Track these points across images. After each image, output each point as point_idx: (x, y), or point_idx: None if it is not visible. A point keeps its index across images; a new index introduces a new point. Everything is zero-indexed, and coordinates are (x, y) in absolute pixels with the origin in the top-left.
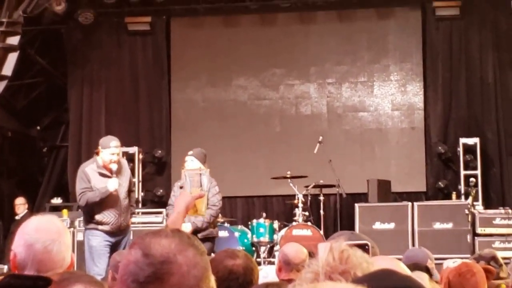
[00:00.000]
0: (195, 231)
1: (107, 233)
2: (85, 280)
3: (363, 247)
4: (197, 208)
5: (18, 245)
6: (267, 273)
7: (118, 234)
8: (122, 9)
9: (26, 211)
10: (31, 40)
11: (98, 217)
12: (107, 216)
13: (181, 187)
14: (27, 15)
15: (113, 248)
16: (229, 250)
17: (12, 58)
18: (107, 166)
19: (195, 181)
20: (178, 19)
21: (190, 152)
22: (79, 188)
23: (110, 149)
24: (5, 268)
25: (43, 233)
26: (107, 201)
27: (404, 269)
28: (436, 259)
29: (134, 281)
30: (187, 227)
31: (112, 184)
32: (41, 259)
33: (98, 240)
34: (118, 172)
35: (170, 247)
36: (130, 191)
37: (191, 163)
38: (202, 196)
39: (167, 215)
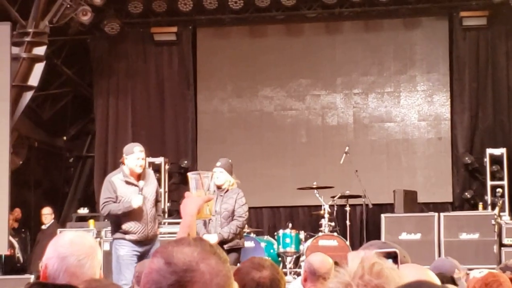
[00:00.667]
0: (221, 242)
1: (134, 242)
2: None
3: (392, 255)
4: (202, 211)
5: (51, 257)
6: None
7: (145, 243)
8: (148, 20)
9: (52, 221)
10: (57, 50)
11: (124, 226)
12: (134, 226)
13: None
14: (53, 25)
15: (141, 258)
16: (255, 260)
17: (38, 68)
18: (134, 173)
19: (200, 183)
20: (204, 29)
21: (218, 164)
22: (103, 198)
23: (135, 154)
24: (32, 278)
25: (77, 247)
26: (133, 211)
27: (431, 277)
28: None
29: None
30: (213, 238)
31: (136, 202)
32: (74, 272)
33: (125, 250)
34: (143, 177)
35: (192, 255)
36: (157, 201)
37: (221, 175)
38: (211, 199)
39: None
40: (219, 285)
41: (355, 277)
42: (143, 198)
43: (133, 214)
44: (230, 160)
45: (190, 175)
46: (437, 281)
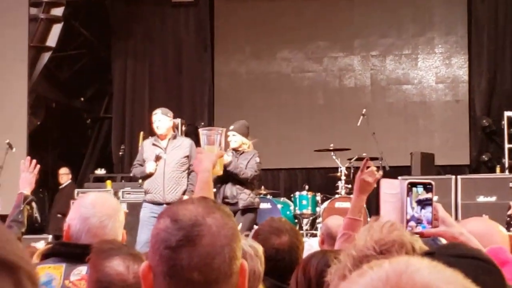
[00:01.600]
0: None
1: (153, 203)
2: (124, 252)
3: (426, 186)
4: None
5: (73, 218)
6: (311, 245)
7: (163, 205)
8: None
9: (69, 181)
10: (75, 12)
11: (145, 184)
12: (150, 185)
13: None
14: None
15: None
16: (274, 224)
17: (56, 29)
18: (160, 136)
19: (212, 139)
20: None
21: (231, 127)
22: (135, 161)
23: (152, 118)
24: (50, 237)
25: (99, 208)
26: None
27: (501, 230)
28: None
29: (166, 248)
30: (227, 156)
31: (148, 167)
32: (96, 233)
33: (144, 212)
34: (164, 138)
35: (197, 210)
36: (192, 170)
37: (234, 138)
38: (222, 155)
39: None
40: (227, 237)
41: (375, 237)
42: (163, 161)
43: (151, 174)
44: (246, 123)
45: (201, 131)
46: (505, 233)
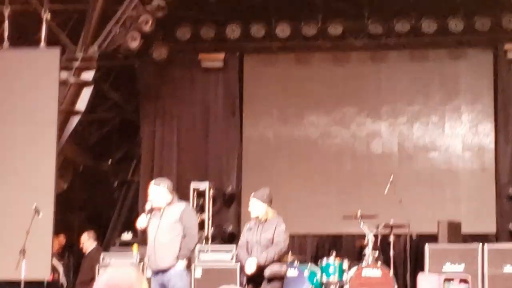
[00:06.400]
0: (262, 270)
1: (152, 271)
2: None
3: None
4: None
5: None
6: None
7: (159, 273)
8: (195, 46)
9: (94, 245)
10: (104, 75)
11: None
12: (147, 253)
13: (250, 229)
14: (101, 50)
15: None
16: None
17: (86, 93)
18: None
19: None
20: (251, 56)
21: (252, 194)
22: None
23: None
24: None
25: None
26: (148, 238)
27: None
28: None
29: None
30: (252, 262)
31: (138, 222)
32: None
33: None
34: (160, 209)
35: None
36: (184, 235)
37: (254, 206)
38: None
39: (236, 256)
40: None
41: None
42: (156, 227)
43: (147, 241)
44: (267, 191)
45: None
46: None
